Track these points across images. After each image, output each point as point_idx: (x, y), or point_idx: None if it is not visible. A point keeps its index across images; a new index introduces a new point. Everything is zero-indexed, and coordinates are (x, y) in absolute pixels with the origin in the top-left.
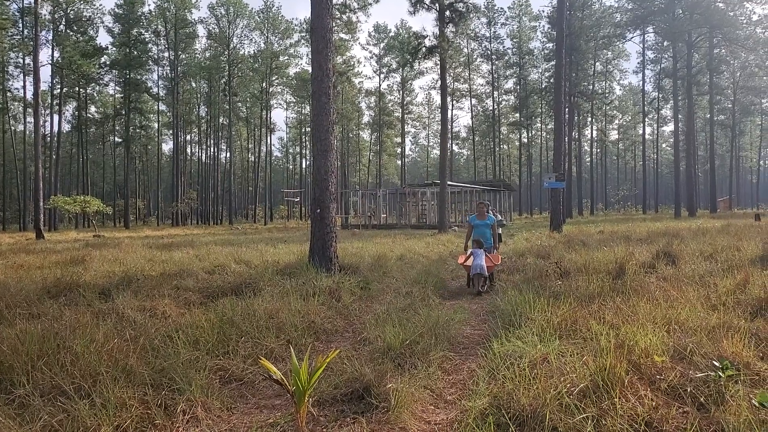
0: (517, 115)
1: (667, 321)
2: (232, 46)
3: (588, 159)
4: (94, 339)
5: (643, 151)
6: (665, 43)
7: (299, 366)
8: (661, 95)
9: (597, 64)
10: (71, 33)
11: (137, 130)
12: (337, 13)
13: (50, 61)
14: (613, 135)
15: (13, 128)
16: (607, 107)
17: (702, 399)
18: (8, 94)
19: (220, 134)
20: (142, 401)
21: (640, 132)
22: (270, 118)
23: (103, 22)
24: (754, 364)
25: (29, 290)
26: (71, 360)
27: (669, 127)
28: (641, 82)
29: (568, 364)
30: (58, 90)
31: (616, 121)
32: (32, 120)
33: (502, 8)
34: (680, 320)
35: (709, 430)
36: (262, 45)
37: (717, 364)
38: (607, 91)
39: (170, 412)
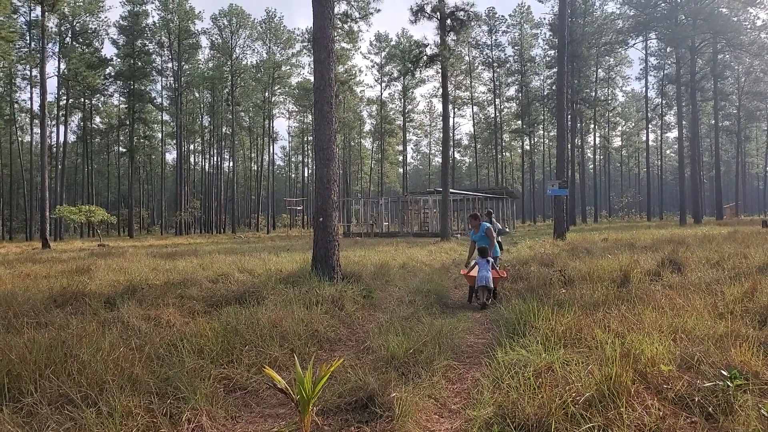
0: (519, 122)
1: (674, 329)
2: (234, 56)
3: (591, 166)
4: (100, 348)
5: (647, 157)
6: (668, 49)
7: (303, 375)
8: (664, 101)
9: (599, 70)
10: (77, 45)
11: (141, 140)
12: (338, 23)
13: (56, 73)
14: (617, 142)
15: (20, 139)
16: (610, 114)
17: (710, 409)
18: (16, 105)
19: (223, 143)
20: (147, 410)
21: (644, 138)
22: (272, 127)
23: (108, 34)
24: (763, 374)
25: (36, 299)
26: (78, 368)
27: (673, 134)
28: (644, 89)
29: (573, 373)
30: (64, 101)
31: (619, 128)
32: (39, 131)
33: (503, 16)
34: (687, 329)
35: None
36: (265, 55)
37: (725, 373)
38: (609, 97)
39: (175, 421)
